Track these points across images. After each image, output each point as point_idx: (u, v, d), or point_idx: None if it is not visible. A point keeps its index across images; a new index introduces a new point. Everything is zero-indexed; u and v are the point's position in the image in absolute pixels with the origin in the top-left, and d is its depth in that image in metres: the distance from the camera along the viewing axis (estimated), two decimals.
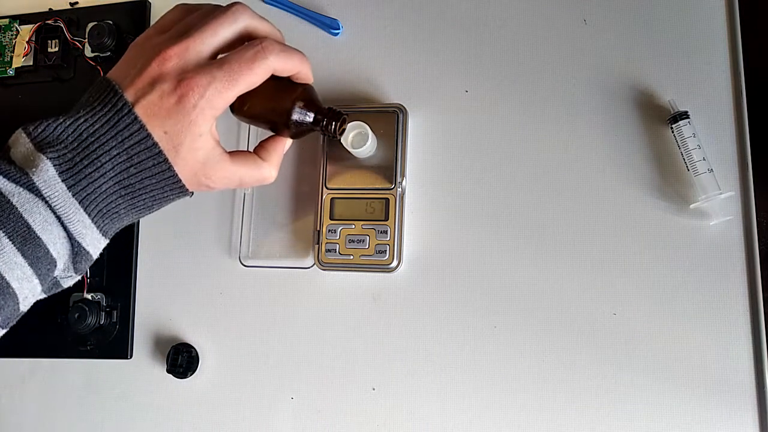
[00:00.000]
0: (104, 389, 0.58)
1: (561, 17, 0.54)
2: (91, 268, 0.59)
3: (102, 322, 0.58)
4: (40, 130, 0.34)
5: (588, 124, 0.52)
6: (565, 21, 0.54)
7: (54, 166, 0.34)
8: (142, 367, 0.58)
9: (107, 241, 0.37)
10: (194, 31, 0.37)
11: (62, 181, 0.34)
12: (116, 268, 0.59)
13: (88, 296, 0.58)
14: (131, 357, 0.58)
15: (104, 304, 0.58)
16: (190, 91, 0.35)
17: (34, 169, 0.33)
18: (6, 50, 0.64)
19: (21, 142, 0.34)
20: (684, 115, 0.49)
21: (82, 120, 0.35)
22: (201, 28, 0.37)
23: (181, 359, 0.55)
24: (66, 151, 0.34)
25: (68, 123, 0.35)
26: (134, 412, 0.57)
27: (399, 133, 0.53)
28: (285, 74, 0.39)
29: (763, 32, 0.52)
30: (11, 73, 0.63)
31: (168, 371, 0.55)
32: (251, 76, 0.37)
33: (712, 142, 0.49)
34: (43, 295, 0.37)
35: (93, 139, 0.34)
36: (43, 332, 0.59)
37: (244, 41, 0.39)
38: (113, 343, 0.58)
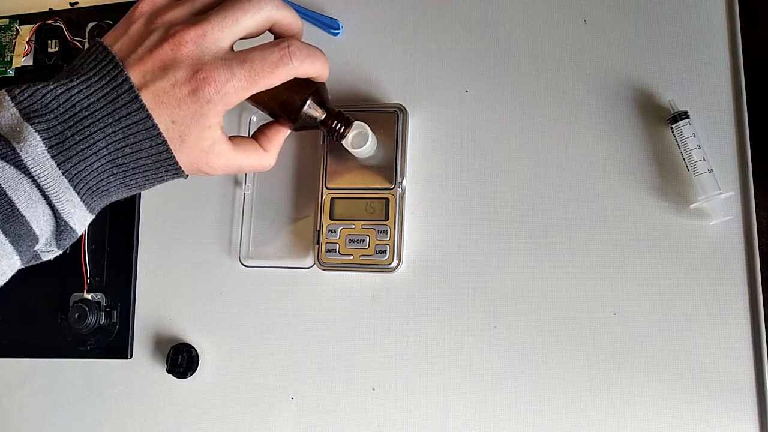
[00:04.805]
0: (104, 389, 0.58)
1: (561, 17, 0.54)
2: (91, 268, 0.59)
3: (102, 322, 0.58)
4: (26, 95, 0.32)
5: (588, 124, 0.52)
6: (565, 21, 0.54)
7: (43, 140, 0.31)
8: (142, 367, 0.58)
9: (93, 217, 0.36)
10: (214, 16, 0.34)
11: (51, 157, 0.32)
12: (116, 268, 0.59)
13: (88, 296, 0.58)
14: (131, 357, 0.58)
15: (104, 304, 0.58)
16: (207, 85, 0.34)
17: (21, 144, 0.31)
18: (6, 50, 0.64)
19: (5, 106, 0.32)
20: (684, 115, 0.49)
21: (76, 90, 0.32)
22: (222, 14, 0.35)
23: (181, 359, 0.55)
24: (56, 122, 0.32)
25: (59, 91, 0.32)
26: (134, 412, 0.57)
27: (399, 133, 0.53)
28: (305, 77, 0.38)
29: (764, 32, 0.52)
30: (11, 73, 0.63)
31: (168, 371, 0.55)
32: (272, 79, 0.35)
33: (712, 142, 0.49)
34: (22, 267, 0.35)
35: (87, 113, 0.32)
36: (43, 332, 0.59)
37: (265, 30, 0.37)
38: (113, 343, 0.58)
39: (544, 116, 0.53)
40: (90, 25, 0.61)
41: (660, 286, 0.49)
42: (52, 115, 0.32)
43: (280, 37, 0.38)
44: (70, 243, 0.36)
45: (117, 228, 0.60)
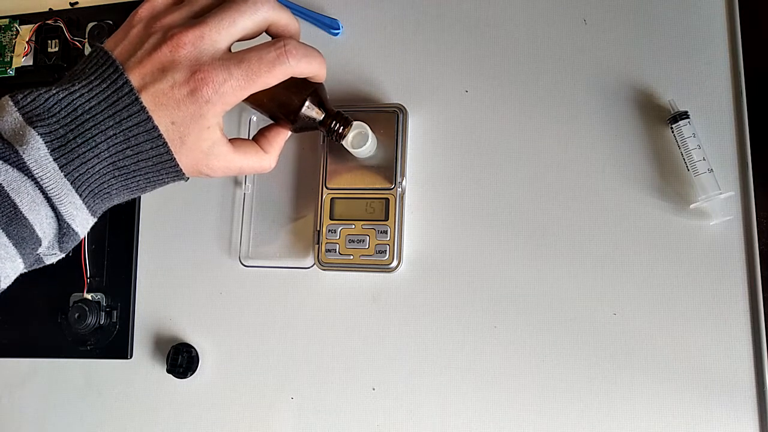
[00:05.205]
0: (104, 389, 0.58)
1: (561, 17, 0.54)
2: (91, 268, 0.59)
3: (102, 322, 0.58)
4: (29, 100, 0.32)
5: (588, 124, 0.52)
6: (565, 21, 0.54)
7: (45, 143, 0.32)
8: (142, 367, 0.58)
9: (95, 220, 0.36)
10: (211, 18, 0.35)
11: (54, 160, 0.32)
12: (116, 268, 0.59)
13: (88, 296, 0.58)
14: (131, 357, 0.58)
15: (104, 304, 0.58)
16: (205, 86, 0.34)
17: (24, 147, 0.32)
18: (6, 50, 0.64)
19: (8, 111, 0.32)
20: (684, 115, 0.49)
21: (78, 95, 0.33)
22: (219, 15, 0.35)
23: (181, 359, 0.55)
24: (58, 126, 0.32)
25: (61, 96, 0.33)
26: (134, 412, 0.57)
27: (399, 133, 0.53)
28: (302, 76, 0.38)
29: (764, 32, 0.52)
30: (11, 73, 0.63)
31: (168, 371, 0.55)
32: (269, 78, 0.36)
33: (712, 142, 0.49)
34: (25, 271, 0.36)
35: (88, 116, 0.33)
36: (43, 332, 0.59)
37: (262, 32, 0.38)
38: (113, 343, 0.58)
39: (544, 116, 0.53)
40: (90, 25, 0.61)
41: (660, 286, 0.49)
42: (54, 119, 0.32)
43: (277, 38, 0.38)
44: (73, 246, 0.36)
45: (117, 228, 0.60)
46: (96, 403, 0.58)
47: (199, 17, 0.36)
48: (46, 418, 0.59)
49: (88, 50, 0.62)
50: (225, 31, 0.35)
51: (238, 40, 0.37)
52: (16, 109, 0.32)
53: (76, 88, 0.33)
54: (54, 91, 0.33)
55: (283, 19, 0.38)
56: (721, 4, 0.51)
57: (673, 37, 0.52)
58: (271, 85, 0.36)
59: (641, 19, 0.52)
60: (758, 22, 0.51)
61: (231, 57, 0.35)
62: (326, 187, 0.54)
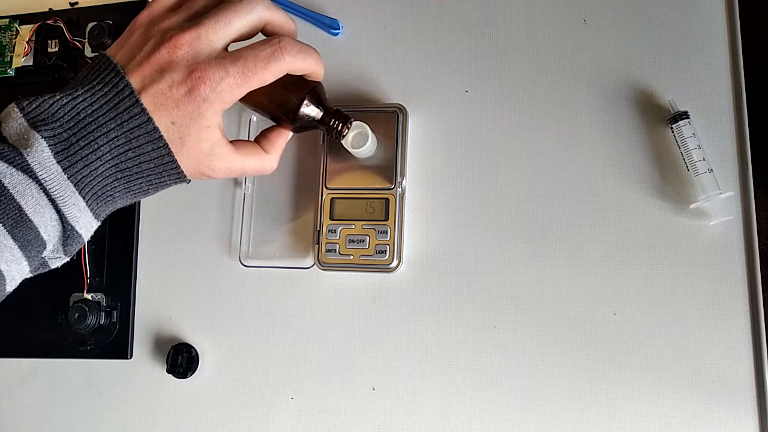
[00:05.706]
0: (104, 389, 0.58)
1: (561, 17, 0.54)
2: (91, 268, 0.59)
3: (102, 322, 0.58)
4: (34, 106, 0.33)
5: (588, 124, 0.52)
6: (565, 21, 0.54)
7: (49, 146, 0.33)
8: (142, 367, 0.58)
9: (99, 224, 0.37)
10: (207, 19, 0.36)
11: (57, 162, 0.33)
12: (116, 268, 0.59)
13: (88, 296, 0.58)
14: (131, 357, 0.58)
15: (104, 304, 0.58)
16: (202, 84, 0.34)
17: (28, 149, 0.32)
18: (6, 50, 0.64)
19: (13, 117, 0.33)
20: (684, 115, 0.49)
21: (80, 99, 0.34)
22: (214, 16, 0.36)
23: (181, 359, 0.55)
24: (62, 130, 0.33)
25: (65, 101, 0.34)
26: (134, 412, 0.57)
27: (399, 133, 0.53)
28: (299, 73, 0.39)
29: (764, 32, 0.52)
30: (11, 73, 0.63)
31: (168, 371, 0.55)
32: (265, 75, 0.36)
33: (712, 142, 0.49)
34: (30, 275, 0.36)
35: (91, 119, 0.34)
36: (43, 332, 0.59)
37: (258, 31, 0.38)
38: (113, 343, 0.58)
39: (544, 116, 0.53)
40: (90, 25, 0.61)
41: (660, 286, 0.49)
42: (57, 123, 0.33)
43: None
44: (77, 249, 0.37)
45: (117, 228, 0.60)
46: (96, 403, 0.58)
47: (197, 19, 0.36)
48: (46, 418, 0.59)
49: (88, 50, 0.62)
50: (221, 31, 0.36)
51: (235, 41, 0.37)
52: (21, 115, 0.33)
53: (79, 92, 0.34)
54: (58, 97, 0.34)
55: (279, 18, 0.38)
56: (721, 4, 0.51)
57: (673, 37, 0.52)
58: (267, 82, 0.37)
59: (641, 19, 0.52)
60: (758, 22, 0.51)
61: (227, 55, 0.36)
62: (326, 187, 0.54)
